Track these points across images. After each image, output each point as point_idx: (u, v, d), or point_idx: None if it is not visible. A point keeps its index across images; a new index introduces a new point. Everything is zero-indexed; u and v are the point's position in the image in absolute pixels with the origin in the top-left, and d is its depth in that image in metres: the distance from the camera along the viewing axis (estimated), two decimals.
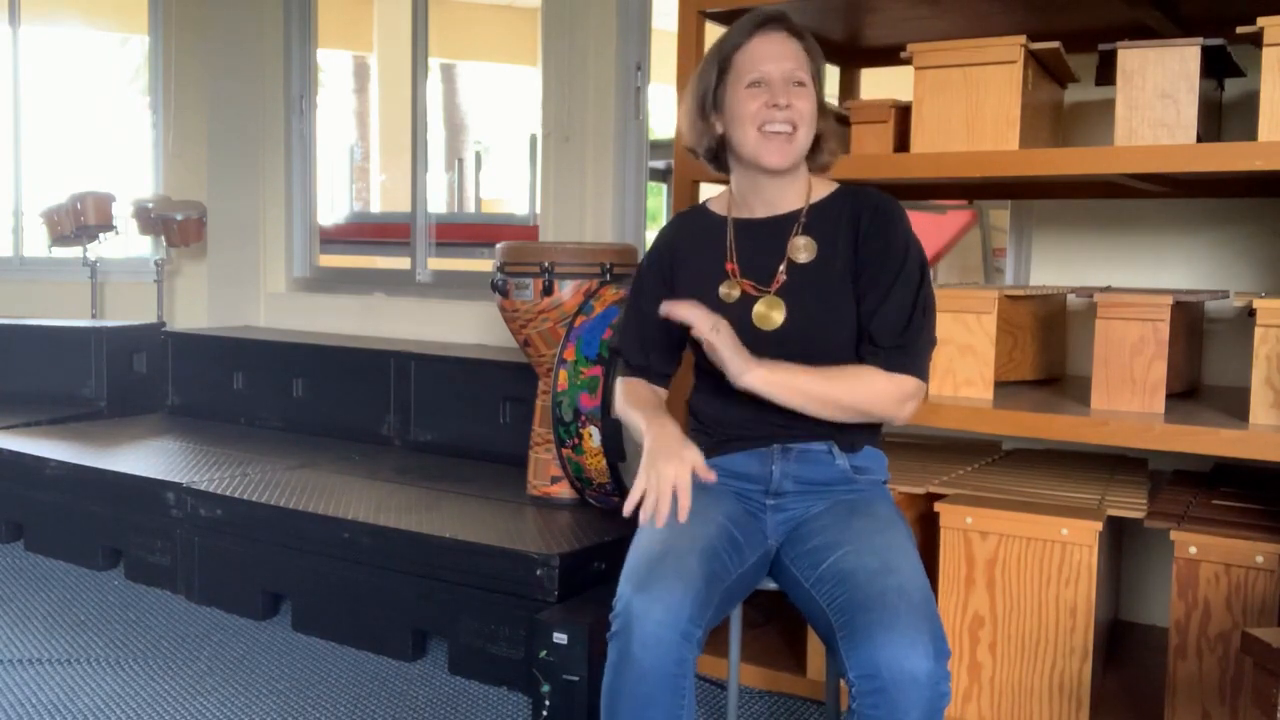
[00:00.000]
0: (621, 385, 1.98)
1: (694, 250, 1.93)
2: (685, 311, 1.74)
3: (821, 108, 1.84)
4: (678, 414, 1.96)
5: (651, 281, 1.95)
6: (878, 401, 1.76)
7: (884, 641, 1.51)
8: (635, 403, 1.88)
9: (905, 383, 1.76)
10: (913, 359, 1.77)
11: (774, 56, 1.79)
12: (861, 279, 1.80)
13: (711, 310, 1.78)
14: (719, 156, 1.91)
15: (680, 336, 1.91)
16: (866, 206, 1.84)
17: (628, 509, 1.66)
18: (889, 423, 1.85)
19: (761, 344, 1.80)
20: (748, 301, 1.85)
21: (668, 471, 1.64)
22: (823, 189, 1.90)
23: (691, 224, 1.97)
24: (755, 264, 1.87)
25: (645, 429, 1.76)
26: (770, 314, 1.83)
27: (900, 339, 1.76)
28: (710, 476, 1.70)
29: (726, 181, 1.97)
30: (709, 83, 1.84)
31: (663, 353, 1.95)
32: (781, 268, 1.84)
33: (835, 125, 1.91)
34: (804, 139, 1.80)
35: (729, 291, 1.86)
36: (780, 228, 1.88)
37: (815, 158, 1.88)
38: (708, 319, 1.73)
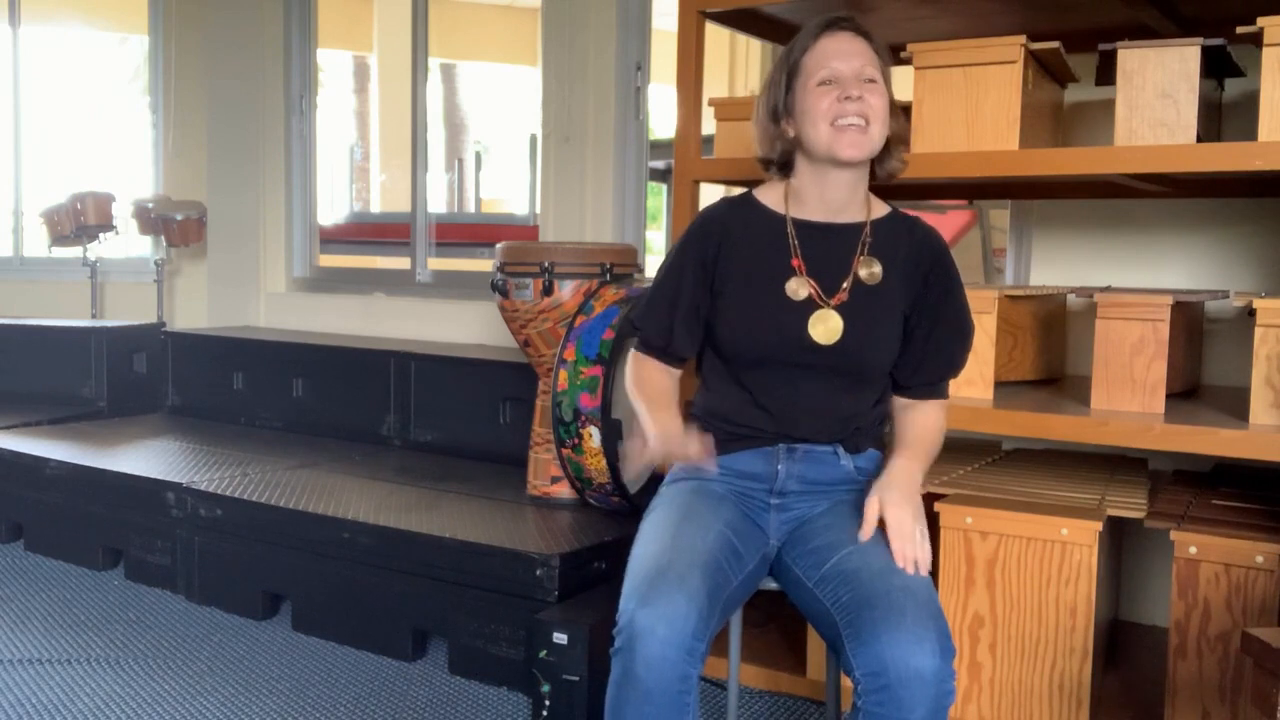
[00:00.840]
0: (634, 363, 1.94)
1: (749, 240, 1.87)
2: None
3: (893, 109, 1.82)
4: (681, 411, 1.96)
5: (694, 261, 1.88)
6: (942, 429, 1.94)
7: (890, 639, 1.51)
8: (645, 390, 1.88)
9: (944, 407, 1.94)
10: (948, 385, 1.94)
11: (843, 54, 1.78)
12: (920, 326, 1.85)
13: (767, 312, 1.81)
14: (788, 164, 1.88)
15: (707, 322, 1.89)
16: (927, 249, 1.86)
17: (629, 477, 1.72)
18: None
19: (810, 354, 1.80)
20: (810, 306, 1.81)
21: (674, 451, 1.75)
22: (879, 208, 1.90)
23: (744, 213, 1.91)
24: (820, 269, 1.83)
25: (651, 422, 1.79)
26: (830, 328, 1.80)
27: (948, 373, 1.91)
28: (712, 466, 1.75)
29: (735, 183, 1.96)
30: (779, 89, 1.83)
31: (686, 336, 1.90)
32: (846, 283, 1.82)
33: (903, 130, 1.89)
34: (877, 134, 1.78)
35: (797, 289, 1.82)
36: (845, 238, 1.85)
37: (884, 163, 1.86)
38: (917, 544, 1.70)
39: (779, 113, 1.84)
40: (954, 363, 1.90)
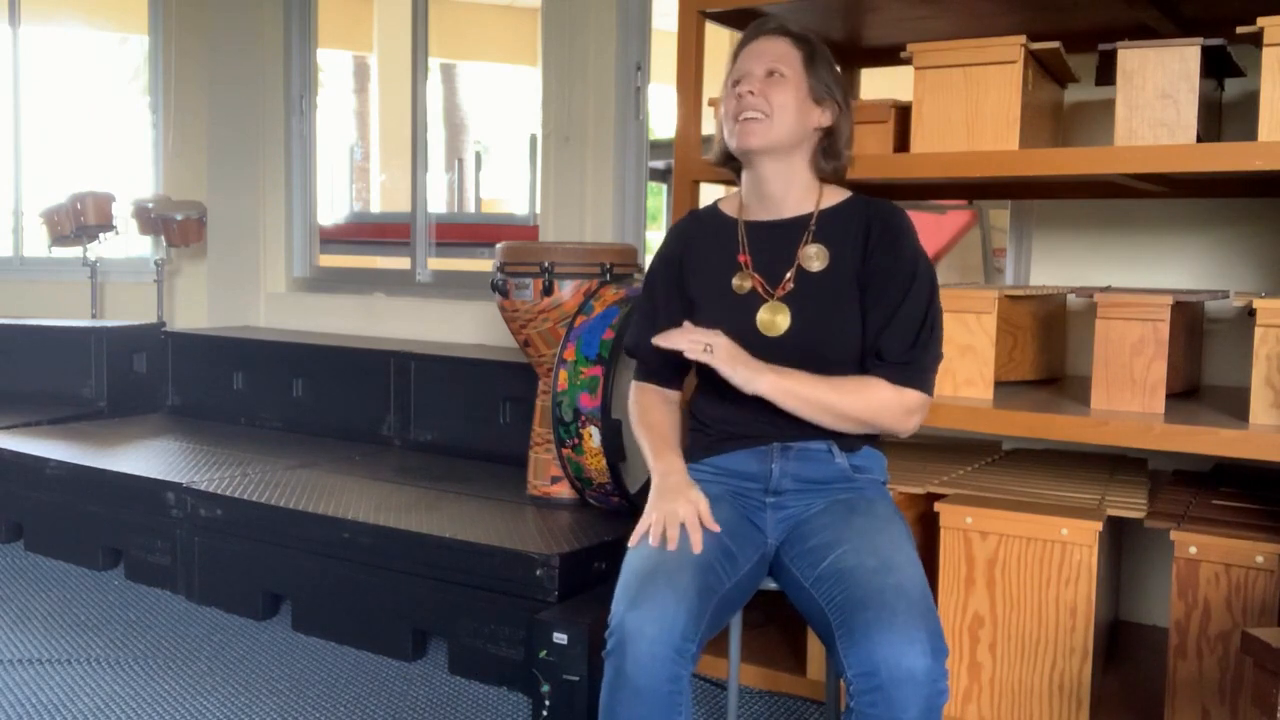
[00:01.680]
0: (635, 395, 2.01)
1: (706, 247, 1.94)
2: (674, 338, 1.76)
3: (839, 107, 1.86)
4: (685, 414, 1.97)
5: (663, 279, 1.97)
6: (883, 414, 1.80)
7: (882, 640, 1.51)
8: (646, 425, 1.93)
9: (910, 397, 1.79)
10: (919, 374, 1.80)
11: (754, 55, 1.85)
12: (868, 293, 1.82)
13: (720, 311, 1.82)
14: (737, 162, 1.95)
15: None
16: (876, 218, 1.85)
17: (634, 540, 1.73)
18: (894, 435, 1.88)
19: (763, 349, 1.82)
20: (756, 300, 1.86)
21: (677, 510, 1.73)
22: (834, 196, 1.91)
23: (704, 223, 1.99)
24: (766, 264, 1.88)
25: (653, 465, 1.85)
26: (775, 319, 1.84)
27: (908, 355, 1.79)
28: (714, 527, 1.74)
29: (733, 182, 1.99)
30: (724, 99, 1.90)
31: (671, 352, 1.92)
32: (790, 274, 1.85)
33: (848, 133, 1.91)
34: (782, 123, 1.82)
35: (741, 283, 1.87)
36: (791, 231, 1.88)
37: (823, 161, 1.89)
38: (698, 340, 1.75)
39: (723, 120, 1.91)
40: (910, 335, 1.78)
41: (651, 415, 1.96)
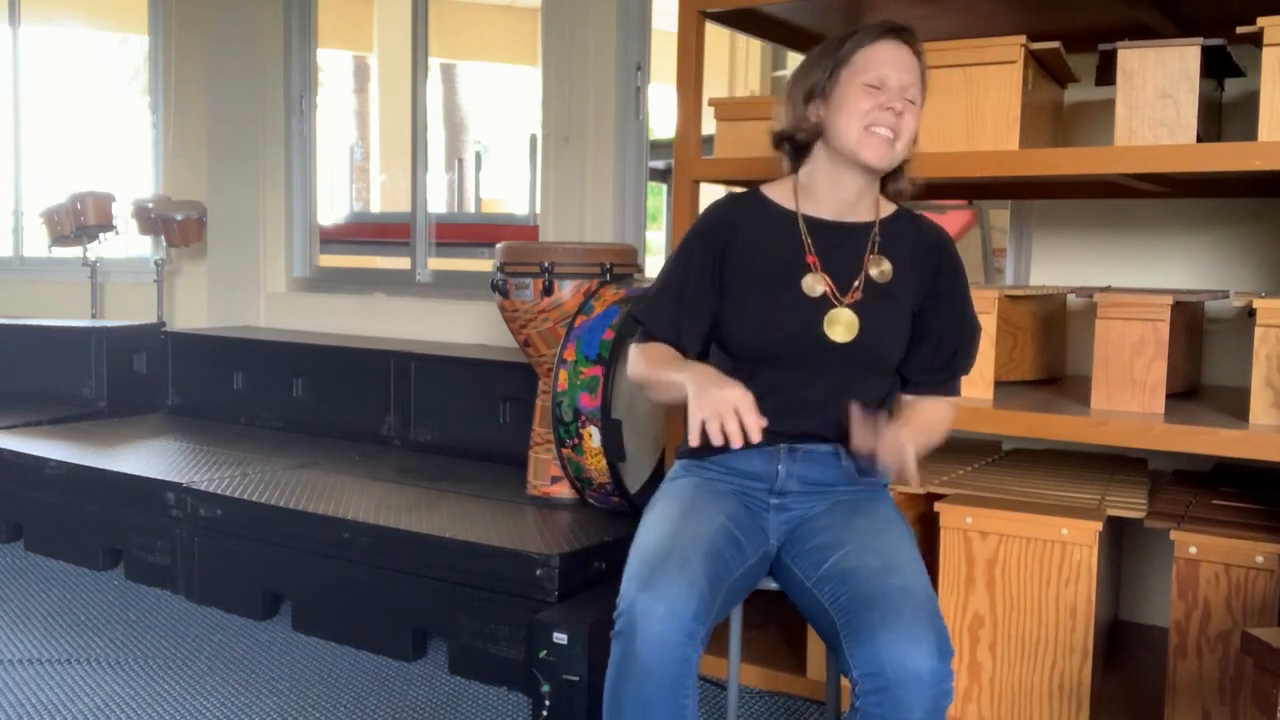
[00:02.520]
0: (639, 350, 1.90)
1: (759, 235, 1.87)
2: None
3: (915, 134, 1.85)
4: (683, 411, 1.95)
5: (702, 256, 1.87)
6: (947, 422, 1.93)
7: (888, 640, 1.51)
8: (654, 361, 1.83)
9: (955, 404, 1.94)
10: (959, 383, 1.94)
11: (897, 65, 1.79)
12: (933, 321, 1.87)
13: (782, 310, 1.81)
14: (801, 149, 1.88)
15: (710, 320, 1.88)
16: (935, 246, 1.89)
17: (694, 438, 1.64)
18: None
19: (825, 351, 1.81)
20: (825, 304, 1.82)
21: (727, 395, 1.64)
22: (887, 207, 1.92)
23: (752, 208, 1.91)
24: (833, 266, 1.84)
25: (683, 373, 1.73)
26: (845, 325, 1.81)
27: (952, 370, 1.91)
28: (762, 421, 1.66)
29: (735, 182, 1.96)
30: (822, 72, 1.82)
31: (693, 331, 1.88)
32: (858, 282, 1.84)
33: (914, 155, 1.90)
34: (902, 150, 1.81)
35: (814, 285, 1.82)
36: (855, 236, 1.87)
37: (895, 181, 1.89)
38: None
39: (813, 93, 1.83)
40: (963, 357, 1.91)
41: (657, 352, 1.86)
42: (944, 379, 1.91)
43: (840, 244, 1.86)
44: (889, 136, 1.77)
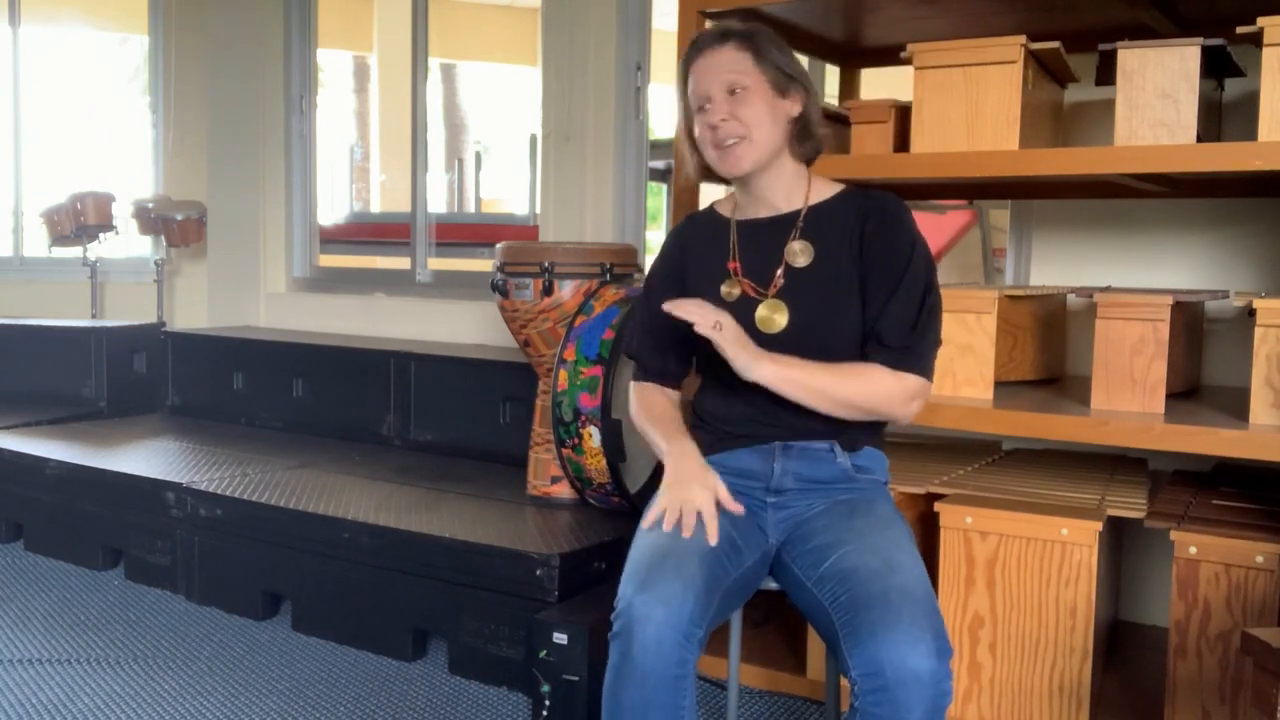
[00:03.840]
0: (636, 393, 2.01)
1: (702, 250, 1.96)
2: (687, 308, 1.75)
3: (802, 91, 1.85)
4: (685, 410, 1.97)
5: (662, 282, 1.99)
6: (885, 400, 1.79)
7: (887, 640, 1.51)
8: (652, 417, 1.93)
9: (911, 382, 1.79)
10: (918, 359, 1.80)
11: (707, 73, 1.84)
12: (868, 281, 1.82)
13: (716, 308, 1.79)
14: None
15: (691, 337, 1.90)
16: (873, 209, 1.85)
17: (647, 521, 1.73)
18: (894, 422, 1.87)
19: (769, 346, 1.82)
20: (749, 302, 1.87)
21: (694, 498, 1.72)
22: (826, 190, 1.91)
23: (700, 225, 2.01)
24: (755, 265, 1.89)
25: (666, 452, 1.83)
26: (773, 317, 1.85)
27: (907, 339, 1.79)
28: (737, 508, 1.75)
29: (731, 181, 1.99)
30: (685, 120, 1.91)
31: (675, 353, 1.98)
32: (779, 271, 1.86)
33: (817, 110, 1.89)
34: (758, 141, 1.82)
35: (729, 290, 1.89)
36: (779, 229, 1.90)
37: (800, 146, 1.88)
38: (710, 316, 1.74)
39: (691, 143, 1.91)
40: (908, 320, 1.78)
41: (655, 408, 1.96)
42: (894, 346, 1.78)
43: (764, 239, 1.90)
44: (735, 140, 1.82)
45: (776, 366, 1.76)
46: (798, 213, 1.89)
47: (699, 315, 1.74)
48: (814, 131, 1.89)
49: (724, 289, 1.89)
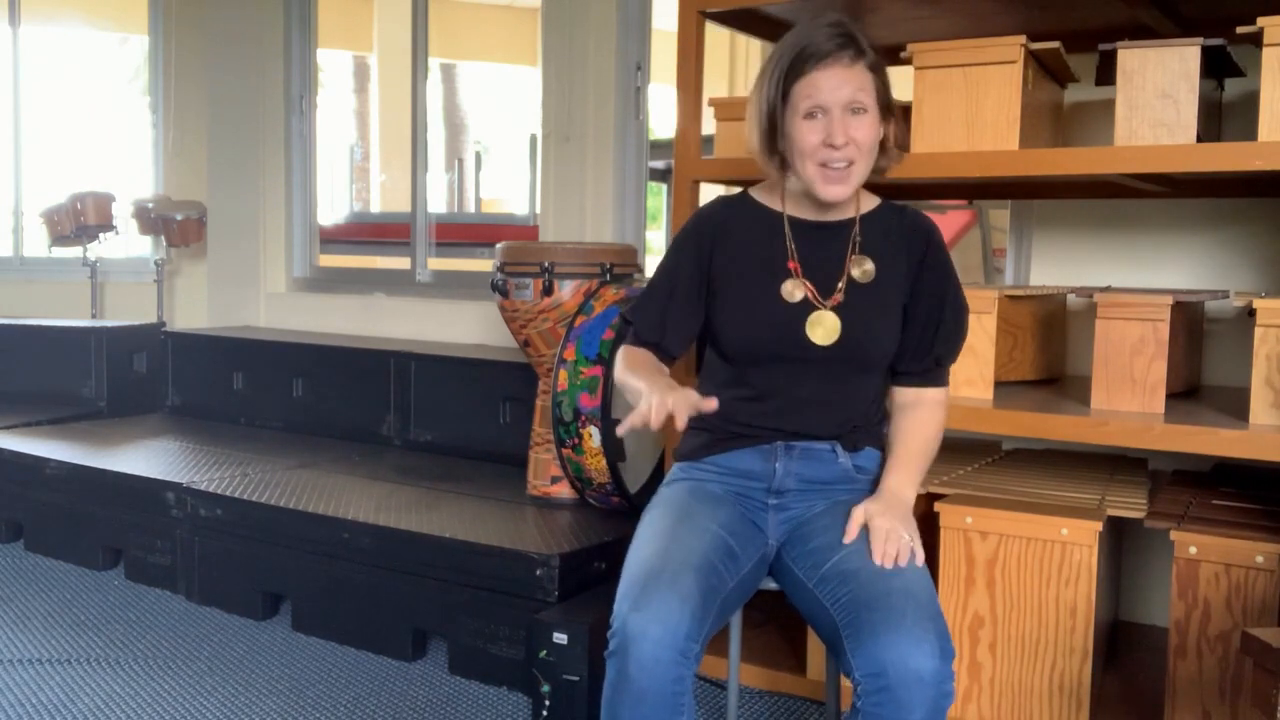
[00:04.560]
0: (624, 352, 1.91)
1: (748, 239, 1.88)
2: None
3: (888, 110, 1.81)
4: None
5: (690, 258, 1.89)
6: (941, 428, 1.93)
7: (890, 640, 1.51)
8: (635, 367, 1.83)
9: (942, 395, 1.93)
10: (944, 373, 1.93)
11: (831, 85, 1.74)
12: (918, 307, 1.87)
13: (765, 314, 1.81)
14: (781, 162, 1.86)
15: (699, 322, 1.90)
16: (920, 234, 1.88)
17: (621, 429, 1.65)
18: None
19: (806, 353, 1.81)
20: (807, 307, 1.83)
21: (665, 398, 1.63)
22: (868, 201, 1.91)
23: (740, 212, 1.92)
24: (815, 269, 1.85)
25: (641, 381, 1.73)
26: (827, 329, 1.82)
27: (940, 358, 1.89)
28: (710, 405, 1.68)
29: (734, 183, 1.96)
30: (773, 110, 1.79)
31: (679, 334, 1.90)
32: (841, 284, 1.84)
33: (899, 126, 1.87)
34: (862, 169, 1.79)
35: (793, 290, 1.83)
36: (837, 235, 1.87)
37: (877, 161, 1.85)
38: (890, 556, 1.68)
39: (777, 133, 1.80)
40: (951, 343, 1.89)
41: (640, 363, 1.87)
42: (929, 368, 1.89)
43: (822, 244, 1.87)
44: (842, 167, 1.76)
45: (909, 493, 1.83)
46: (851, 221, 1.87)
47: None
48: (890, 151, 1.86)
49: (787, 287, 1.82)
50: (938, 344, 1.88)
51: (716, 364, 1.92)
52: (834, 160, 1.76)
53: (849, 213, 1.88)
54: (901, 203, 1.93)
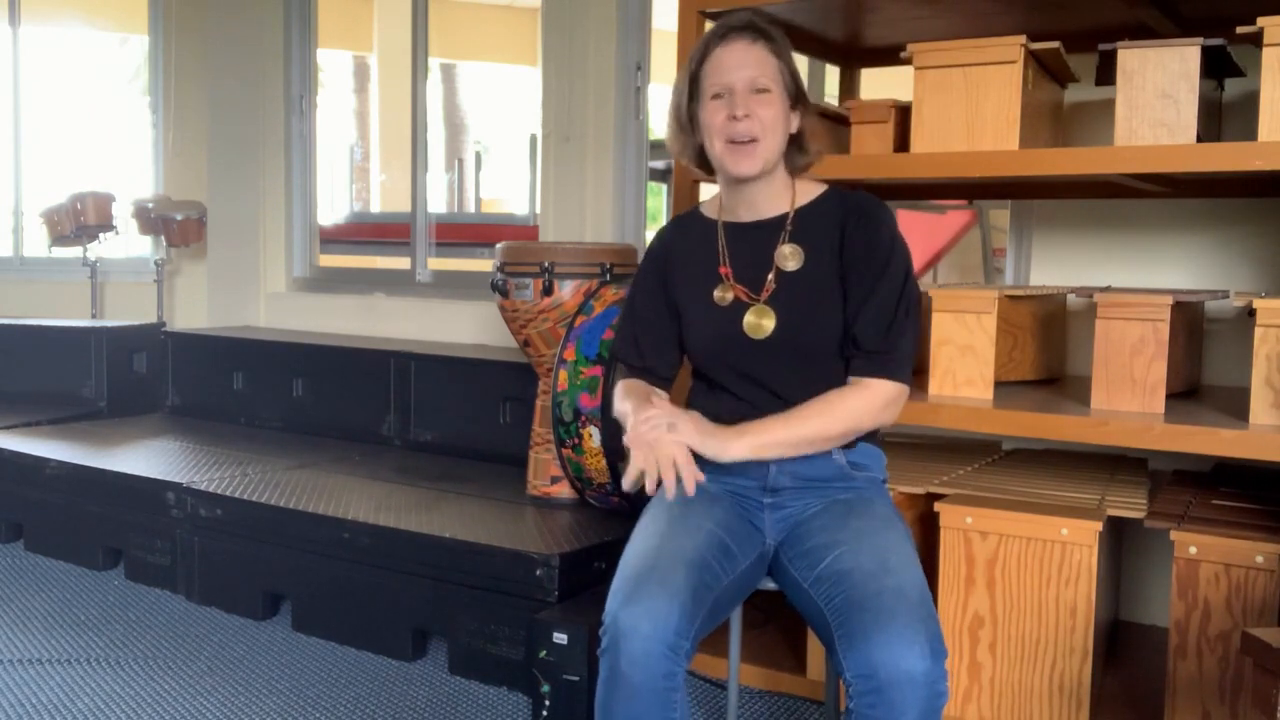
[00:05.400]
0: (619, 385, 1.99)
1: (689, 253, 1.95)
2: (635, 468, 1.68)
3: (804, 105, 1.85)
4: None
5: (648, 285, 1.98)
6: (858, 418, 1.80)
7: (880, 641, 1.51)
8: (629, 396, 1.89)
9: (882, 390, 1.80)
10: (892, 363, 1.80)
11: (734, 66, 1.80)
12: (847, 281, 1.83)
13: (707, 320, 1.82)
14: (706, 163, 1.93)
15: (677, 338, 1.95)
16: (852, 209, 1.86)
17: (627, 483, 1.68)
18: (879, 429, 1.89)
19: (753, 351, 1.84)
20: (740, 307, 1.87)
21: (664, 450, 1.67)
22: (810, 192, 1.91)
23: (686, 227, 2.00)
24: (746, 269, 1.89)
25: (631, 416, 1.78)
26: (761, 322, 1.85)
27: (883, 342, 1.79)
28: (697, 475, 1.69)
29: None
30: (682, 98, 1.87)
31: (660, 355, 1.97)
32: (770, 276, 1.86)
33: (820, 123, 1.91)
34: (770, 145, 1.81)
35: (723, 295, 1.89)
36: (767, 233, 1.89)
37: (795, 159, 1.88)
38: (662, 443, 1.68)
39: (684, 122, 1.88)
40: (884, 321, 1.78)
41: (632, 389, 1.92)
42: (871, 351, 1.79)
43: (756, 244, 1.89)
44: (745, 141, 1.79)
45: (747, 439, 1.76)
46: (785, 216, 1.89)
47: (650, 463, 1.67)
48: (808, 148, 1.89)
49: (717, 294, 1.88)
50: (873, 329, 1.78)
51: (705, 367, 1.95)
52: (737, 133, 1.79)
53: (784, 208, 1.90)
54: (852, 190, 1.92)
